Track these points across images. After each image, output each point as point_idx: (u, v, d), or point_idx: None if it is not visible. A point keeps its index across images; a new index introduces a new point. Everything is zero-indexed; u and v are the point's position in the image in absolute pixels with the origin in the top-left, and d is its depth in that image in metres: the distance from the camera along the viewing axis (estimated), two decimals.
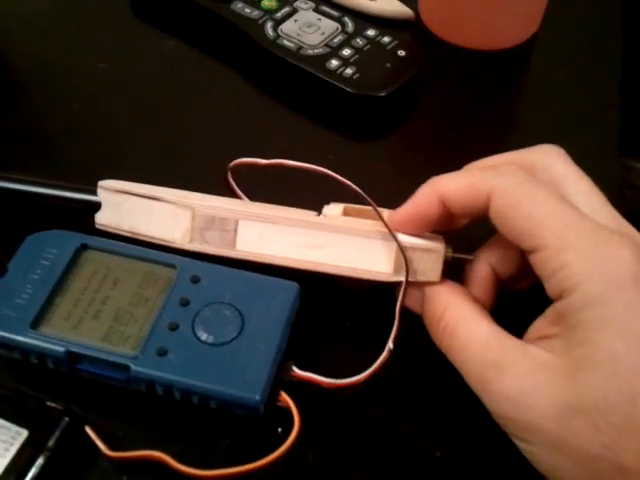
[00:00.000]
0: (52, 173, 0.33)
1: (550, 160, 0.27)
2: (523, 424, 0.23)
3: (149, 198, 0.29)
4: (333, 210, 0.29)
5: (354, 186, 0.28)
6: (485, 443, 0.26)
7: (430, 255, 0.28)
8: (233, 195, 0.32)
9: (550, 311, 0.24)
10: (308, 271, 0.28)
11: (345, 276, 0.29)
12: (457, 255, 0.28)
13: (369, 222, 0.28)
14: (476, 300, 0.27)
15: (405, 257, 0.27)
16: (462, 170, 0.28)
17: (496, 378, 0.24)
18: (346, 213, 0.29)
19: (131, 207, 0.29)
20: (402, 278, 0.27)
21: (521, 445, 0.24)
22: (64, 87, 0.40)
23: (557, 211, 0.24)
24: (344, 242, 0.28)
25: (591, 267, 0.23)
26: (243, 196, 0.32)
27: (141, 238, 0.29)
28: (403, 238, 0.28)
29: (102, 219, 0.30)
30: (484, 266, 0.28)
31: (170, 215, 0.29)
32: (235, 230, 0.28)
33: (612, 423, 0.21)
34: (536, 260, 0.24)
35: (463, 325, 0.25)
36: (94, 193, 0.30)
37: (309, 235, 0.28)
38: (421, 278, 0.28)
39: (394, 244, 0.28)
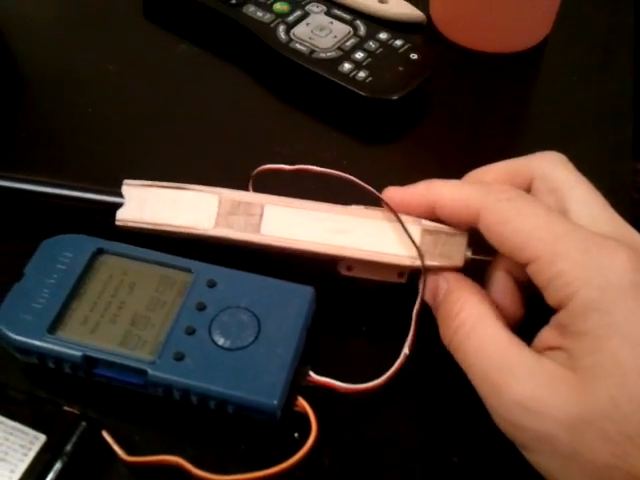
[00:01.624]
0: (64, 176, 0.33)
1: (549, 168, 0.27)
2: (534, 433, 0.23)
3: (175, 188, 0.30)
4: None
5: (377, 193, 0.28)
6: (502, 449, 0.26)
7: (455, 238, 0.28)
8: None
9: (553, 322, 0.24)
10: (331, 257, 0.28)
11: (363, 277, 0.29)
12: (476, 257, 0.28)
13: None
14: (494, 304, 0.27)
15: (418, 250, 0.27)
16: (457, 181, 0.28)
17: (510, 384, 0.23)
18: None
19: (156, 199, 0.30)
20: (427, 262, 0.27)
21: (530, 456, 0.24)
22: (75, 90, 0.40)
23: (545, 223, 0.24)
24: (369, 227, 0.28)
25: (586, 274, 0.23)
26: None
27: (164, 228, 0.29)
28: (426, 222, 0.28)
29: (123, 215, 0.30)
30: (503, 274, 0.27)
31: (196, 202, 0.29)
32: (260, 215, 0.28)
33: (624, 432, 0.21)
34: (532, 271, 0.24)
35: (480, 327, 0.25)
36: (116, 195, 0.30)
37: (334, 220, 0.28)
38: (445, 262, 0.28)
39: (418, 229, 0.28)
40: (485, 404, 0.24)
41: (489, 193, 0.26)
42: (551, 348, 0.24)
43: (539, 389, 0.23)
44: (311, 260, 0.29)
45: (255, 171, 0.31)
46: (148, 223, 0.29)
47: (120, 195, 0.30)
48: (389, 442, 0.27)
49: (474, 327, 0.25)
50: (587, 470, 0.22)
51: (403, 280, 0.29)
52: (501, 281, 0.27)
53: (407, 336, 0.27)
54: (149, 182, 0.30)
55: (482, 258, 0.28)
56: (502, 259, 0.28)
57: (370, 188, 0.28)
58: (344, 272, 0.29)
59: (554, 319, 0.24)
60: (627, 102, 0.40)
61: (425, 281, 0.27)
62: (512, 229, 0.25)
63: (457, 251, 0.28)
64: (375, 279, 0.29)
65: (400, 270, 0.28)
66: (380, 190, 0.29)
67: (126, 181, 0.30)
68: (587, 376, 0.22)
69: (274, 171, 0.30)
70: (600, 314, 0.22)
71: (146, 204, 0.30)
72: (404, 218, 0.28)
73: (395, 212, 0.28)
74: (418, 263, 0.27)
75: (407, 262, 0.28)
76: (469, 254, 0.28)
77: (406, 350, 0.26)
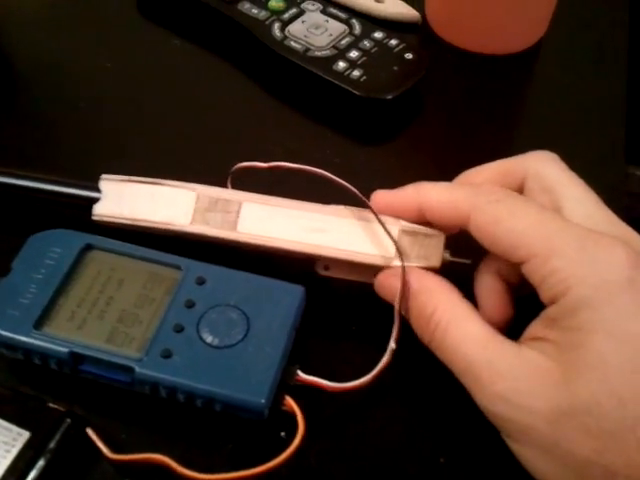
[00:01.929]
0: (56, 171, 0.33)
1: (542, 167, 0.27)
2: (517, 425, 0.23)
3: (153, 184, 0.29)
4: None
5: (350, 186, 0.28)
6: (489, 448, 0.26)
7: (431, 240, 0.28)
8: None
9: (543, 315, 0.24)
10: (307, 255, 0.28)
11: (340, 277, 0.29)
12: (455, 259, 0.28)
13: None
14: (466, 299, 0.26)
15: (397, 247, 0.27)
16: (446, 183, 0.28)
17: (492, 379, 0.23)
18: None
19: (133, 194, 0.29)
20: (404, 263, 0.27)
21: (514, 446, 0.24)
22: (69, 86, 0.40)
23: (539, 221, 0.24)
24: (346, 226, 0.28)
25: (580, 271, 0.23)
26: None
27: (140, 224, 0.29)
28: (405, 223, 0.28)
29: (100, 209, 0.30)
30: (491, 276, 0.27)
31: (173, 198, 0.29)
32: (237, 212, 0.28)
33: (603, 428, 0.21)
34: (527, 270, 0.24)
35: (456, 324, 0.25)
36: (93, 189, 0.30)
37: (311, 218, 0.28)
38: (422, 263, 0.28)
39: (396, 229, 0.28)
40: (471, 396, 0.24)
41: (479, 194, 0.26)
42: (539, 338, 0.24)
43: (519, 381, 0.23)
44: (289, 259, 0.29)
45: (233, 169, 0.30)
46: (124, 218, 0.29)
47: (97, 190, 0.30)
48: (376, 442, 0.27)
49: (449, 325, 0.25)
50: (567, 463, 0.22)
51: None
52: (490, 283, 0.27)
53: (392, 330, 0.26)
54: (127, 177, 0.30)
55: (460, 261, 0.28)
56: (490, 260, 0.28)
57: (347, 185, 0.28)
58: (321, 272, 0.29)
59: (544, 312, 0.24)
60: (620, 105, 0.40)
61: (404, 277, 0.27)
62: (504, 229, 0.25)
63: (434, 252, 0.28)
64: (352, 279, 0.29)
65: (376, 270, 0.28)
66: (367, 190, 0.28)
67: (104, 176, 0.30)
68: (570, 369, 0.22)
69: (250, 169, 0.30)
70: (591, 310, 0.22)
71: (123, 199, 0.30)
72: (382, 218, 0.28)
73: (373, 209, 0.28)
74: (393, 263, 0.27)
75: (381, 262, 0.28)
76: (447, 256, 0.28)
77: (393, 344, 0.26)
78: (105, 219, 0.30)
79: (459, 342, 0.25)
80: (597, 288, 0.22)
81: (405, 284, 0.27)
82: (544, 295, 0.24)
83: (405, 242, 0.28)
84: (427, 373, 0.28)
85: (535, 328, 0.25)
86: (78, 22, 0.43)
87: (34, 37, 0.42)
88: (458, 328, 0.25)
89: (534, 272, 0.24)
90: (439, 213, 0.27)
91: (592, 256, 0.23)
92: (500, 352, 0.24)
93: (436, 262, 0.28)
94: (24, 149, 0.36)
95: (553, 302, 0.23)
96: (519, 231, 0.24)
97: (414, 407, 0.28)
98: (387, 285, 0.27)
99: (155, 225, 0.29)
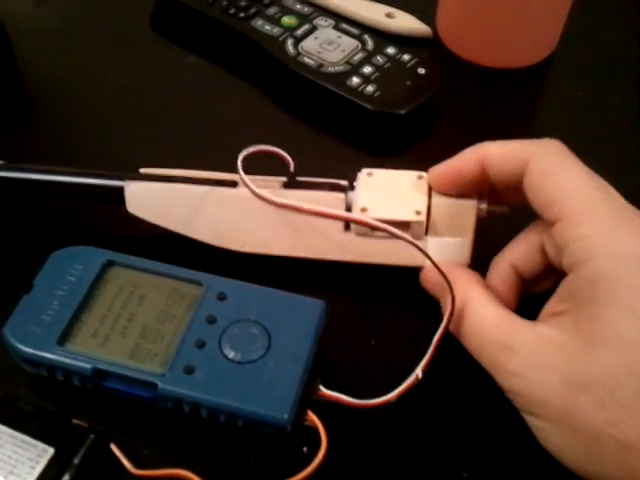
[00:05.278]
0: None
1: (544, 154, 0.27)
2: (531, 399, 0.23)
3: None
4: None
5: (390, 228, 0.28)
6: (512, 462, 0.26)
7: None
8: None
9: (562, 286, 0.25)
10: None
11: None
12: (491, 208, 0.29)
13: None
14: (485, 285, 0.27)
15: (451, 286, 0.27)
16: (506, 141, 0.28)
17: (507, 358, 0.24)
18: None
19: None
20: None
21: (530, 420, 0.24)
22: (84, 103, 0.40)
23: (586, 185, 0.25)
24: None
25: (606, 243, 0.23)
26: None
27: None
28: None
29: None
30: (507, 266, 0.28)
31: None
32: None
33: (617, 400, 0.22)
34: (556, 230, 0.25)
35: (471, 308, 0.26)
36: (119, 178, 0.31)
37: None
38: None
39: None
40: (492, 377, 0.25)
41: (539, 145, 0.26)
42: (556, 313, 0.24)
43: (532, 357, 0.23)
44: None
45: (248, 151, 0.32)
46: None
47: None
48: (399, 457, 0.26)
49: (465, 310, 0.26)
50: (579, 435, 0.22)
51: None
52: (503, 273, 0.28)
53: (422, 358, 0.26)
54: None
55: (498, 209, 0.29)
56: (508, 251, 0.28)
57: (396, 231, 0.28)
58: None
59: (562, 282, 0.24)
60: (633, 117, 0.40)
61: (452, 311, 0.27)
62: (554, 183, 0.25)
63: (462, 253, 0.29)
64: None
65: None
66: None
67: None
68: (585, 342, 0.23)
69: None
70: (609, 284, 0.23)
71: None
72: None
73: (427, 254, 0.28)
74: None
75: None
76: (484, 207, 0.29)
77: (419, 373, 0.26)
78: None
79: (474, 325, 0.25)
80: (619, 262, 0.23)
81: (434, 277, 0.28)
82: (565, 259, 0.24)
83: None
84: (449, 390, 0.28)
85: (553, 302, 0.25)
86: (93, 39, 0.43)
87: (49, 54, 0.43)
88: (473, 312, 0.26)
89: (562, 234, 0.24)
90: (500, 162, 0.27)
91: (620, 232, 0.23)
92: (514, 331, 0.24)
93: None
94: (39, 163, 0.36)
95: (572, 269, 0.24)
96: (565, 189, 0.25)
97: (436, 422, 0.28)
98: (427, 278, 0.29)
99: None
